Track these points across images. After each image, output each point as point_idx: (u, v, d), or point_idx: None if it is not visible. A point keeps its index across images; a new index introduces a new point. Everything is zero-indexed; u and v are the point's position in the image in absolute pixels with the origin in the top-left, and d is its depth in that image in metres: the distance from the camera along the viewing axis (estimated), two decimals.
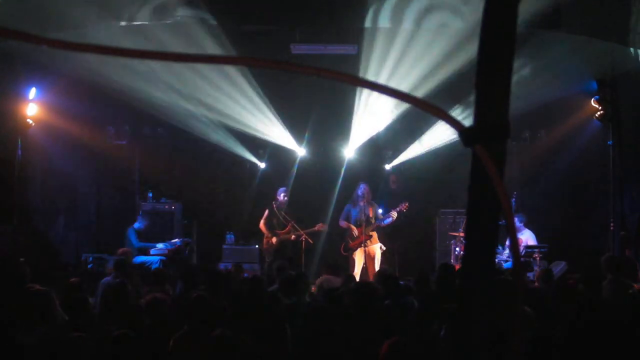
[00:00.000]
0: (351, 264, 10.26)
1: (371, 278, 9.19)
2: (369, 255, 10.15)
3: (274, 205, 10.60)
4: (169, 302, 5.37)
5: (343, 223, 10.43)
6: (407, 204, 10.38)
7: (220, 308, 4.89)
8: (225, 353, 4.14)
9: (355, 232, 10.17)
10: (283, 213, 10.56)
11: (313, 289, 7.28)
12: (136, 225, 10.72)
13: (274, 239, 10.49)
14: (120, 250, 8.91)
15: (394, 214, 10.25)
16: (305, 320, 4.82)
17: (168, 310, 5.03)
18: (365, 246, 10.13)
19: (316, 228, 10.49)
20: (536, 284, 6.67)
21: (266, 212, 10.63)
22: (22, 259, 7.35)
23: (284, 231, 10.51)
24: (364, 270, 10.05)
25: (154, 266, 10.03)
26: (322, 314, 4.81)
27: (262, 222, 10.64)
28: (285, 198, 10.69)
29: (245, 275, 8.70)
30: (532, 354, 3.75)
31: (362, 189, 10.26)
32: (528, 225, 10.41)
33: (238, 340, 4.25)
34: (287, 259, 9.60)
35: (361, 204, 10.23)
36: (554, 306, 5.02)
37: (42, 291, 4.81)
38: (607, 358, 3.71)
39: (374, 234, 10.32)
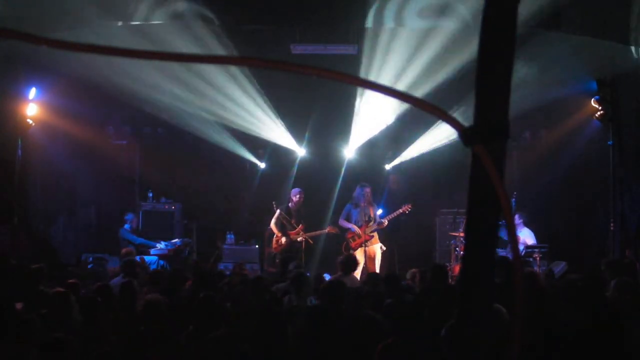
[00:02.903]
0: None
1: None
2: (369, 256, 10.16)
3: (280, 206, 10.57)
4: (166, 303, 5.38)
5: (344, 223, 10.43)
6: (409, 205, 10.39)
7: (224, 308, 4.90)
8: (229, 353, 4.14)
9: (358, 231, 10.18)
10: (293, 214, 10.54)
11: None
12: (127, 226, 10.72)
13: (284, 239, 10.49)
14: (124, 250, 8.91)
15: (385, 222, 10.28)
16: (307, 321, 4.82)
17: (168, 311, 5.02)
18: (365, 246, 10.14)
19: (327, 230, 10.52)
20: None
21: (277, 212, 10.57)
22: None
23: (294, 231, 10.51)
24: (364, 270, 10.06)
25: (152, 266, 10.04)
26: (324, 314, 4.80)
27: (272, 222, 10.61)
28: (299, 198, 10.63)
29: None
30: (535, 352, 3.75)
31: (364, 191, 10.27)
32: (528, 225, 10.41)
33: (241, 340, 4.25)
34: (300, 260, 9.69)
35: (362, 204, 10.24)
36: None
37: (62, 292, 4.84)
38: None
39: (375, 234, 10.34)
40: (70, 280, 6.06)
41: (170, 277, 6.77)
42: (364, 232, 10.14)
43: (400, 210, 10.38)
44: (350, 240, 10.32)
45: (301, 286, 6.00)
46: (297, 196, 10.61)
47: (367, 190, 10.30)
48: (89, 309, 4.71)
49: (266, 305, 5.22)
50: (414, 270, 7.29)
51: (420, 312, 4.62)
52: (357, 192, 10.38)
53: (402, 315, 4.41)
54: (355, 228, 10.24)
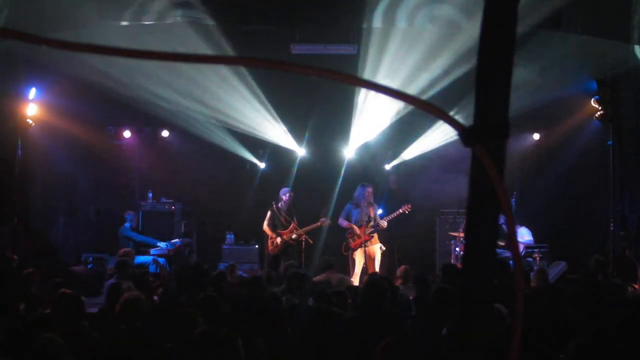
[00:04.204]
0: (351, 264, 10.26)
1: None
2: (369, 256, 10.15)
3: (274, 206, 10.58)
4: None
5: (344, 222, 10.41)
6: (409, 205, 10.37)
7: (223, 308, 4.89)
8: (229, 352, 4.13)
9: (358, 231, 10.18)
10: (284, 214, 10.55)
11: None
12: (127, 224, 10.74)
13: (279, 240, 10.48)
14: (122, 250, 8.90)
15: (384, 224, 10.27)
16: (307, 321, 4.82)
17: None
18: (365, 246, 10.14)
19: (319, 223, 10.48)
20: (532, 284, 6.66)
21: (268, 213, 10.59)
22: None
23: (287, 231, 10.50)
24: (364, 270, 10.06)
25: (151, 267, 10.04)
26: (324, 315, 4.80)
27: (265, 223, 10.61)
28: (288, 197, 10.63)
29: (241, 272, 8.73)
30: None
31: (366, 191, 10.26)
32: (526, 223, 10.41)
33: (241, 339, 4.25)
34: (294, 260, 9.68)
35: (363, 204, 10.24)
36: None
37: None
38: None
39: (375, 234, 10.34)
40: (57, 280, 6.01)
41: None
42: (364, 232, 10.14)
43: (400, 211, 10.38)
44: (350, 240, 10.32)
45: (299, 286, 5.98)
46: (287, 195, 10.62)
47: (369, 190, 10.29)
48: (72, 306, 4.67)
49: (265, 304, 5.22)
50: (399, 280, 7.23)
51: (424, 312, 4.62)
52: (358, 191, 10.37)
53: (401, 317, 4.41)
54: (355, 228, 10.24)
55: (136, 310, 4.54)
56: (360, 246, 10.17)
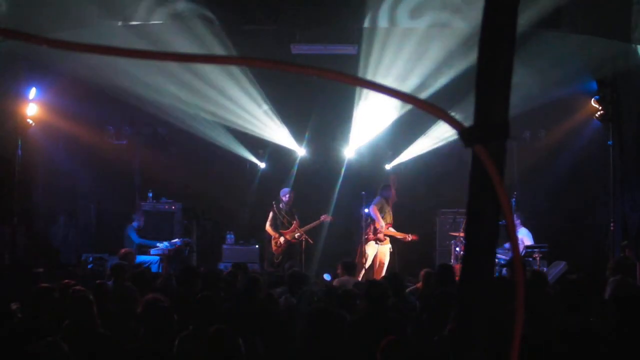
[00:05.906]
0: (364, 255, 10.23)
1: (377, 277, 9.28)
2: (378, 256, 10.21)
3: (275, 206, 10.59)
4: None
5: (374, 212, 10.29)
6: (416, 237, 10.33)
7: (222, 308, 4.89)
8: (227, 350, 4.13)
9: (383, 224, 10.19)
10: (284, 213, 10.56)
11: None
12: (135, 224, 10.75)
13: (282, 239, 10.50)
14: (122, 250, 8.88)
15: (410, 237, 10.26)
16: (309, 322, 4.82)
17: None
18: (378, 243, 10.20)
19: (321, 219, 10.51)
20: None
21: (270, 213, 10.62)
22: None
23: (289, 230, 10.52)
24: (370, 268, 10.11)
25: (152, 267, 10.03)
26: (326, 316, 4.80)
27: (267, 224, 10.65)
28: (289, 198, 10.65)
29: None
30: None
31: (392, 192, 10.41)
32: (527, 225, 10.41)
33: (238, 338, 4.25)
34: (296, 260, 9.71)
35: (390, 206, 10.37)
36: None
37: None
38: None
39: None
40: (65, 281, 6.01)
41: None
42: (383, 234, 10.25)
43: (409, 239, 10.32)
44: (370, 233, 10.30)
45: (298, 286, 5.99)
46: (287, 196, 10.64)
47: (394, 191, 10.44)
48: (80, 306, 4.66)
49: (263, 305, 5.22)
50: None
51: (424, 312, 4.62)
52: (387, 192, 10.43)
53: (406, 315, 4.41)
54: (383, 226, 10.23)
55: (157, 312, 4.53)
56: (374, 242, 10.22)
